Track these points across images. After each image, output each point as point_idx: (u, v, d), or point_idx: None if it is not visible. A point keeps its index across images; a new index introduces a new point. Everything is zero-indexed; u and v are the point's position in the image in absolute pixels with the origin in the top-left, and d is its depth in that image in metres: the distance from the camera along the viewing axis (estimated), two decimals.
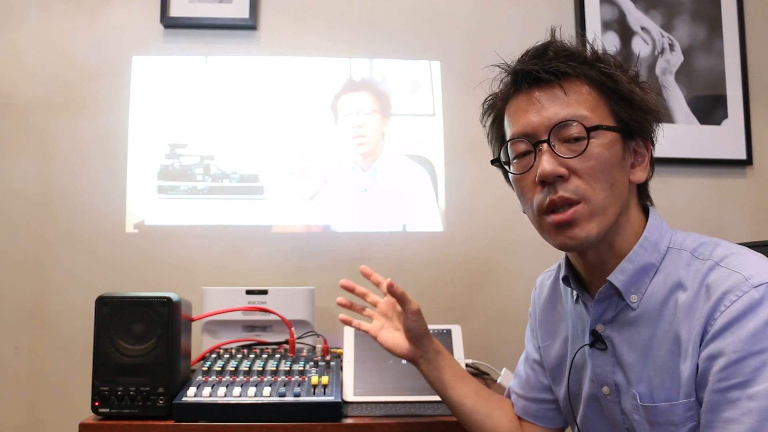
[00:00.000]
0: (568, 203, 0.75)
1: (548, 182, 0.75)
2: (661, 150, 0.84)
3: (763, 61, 1.85)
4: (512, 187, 0.86)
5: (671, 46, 1.82)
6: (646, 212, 0.83)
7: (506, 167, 0.84)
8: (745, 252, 0.74)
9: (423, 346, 0.96)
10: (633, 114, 0.78)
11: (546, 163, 0.75)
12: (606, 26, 1.80)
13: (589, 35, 1.72)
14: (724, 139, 1.81)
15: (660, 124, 0.82)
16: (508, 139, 0.82)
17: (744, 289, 0.67)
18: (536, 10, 1.80)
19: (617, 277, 0.78)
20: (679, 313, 0.73)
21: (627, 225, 0.79)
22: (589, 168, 0.75)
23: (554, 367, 0.95)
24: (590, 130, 0.75)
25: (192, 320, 1.23)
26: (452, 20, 1.80)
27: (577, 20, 1.80)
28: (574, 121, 0.75)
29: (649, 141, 0.81)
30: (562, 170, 0.75)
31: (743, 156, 1.81)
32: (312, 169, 1.73)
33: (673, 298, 0.75)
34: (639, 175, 0.80)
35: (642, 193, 0.83)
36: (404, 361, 1.21)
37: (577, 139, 0.75)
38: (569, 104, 0.76)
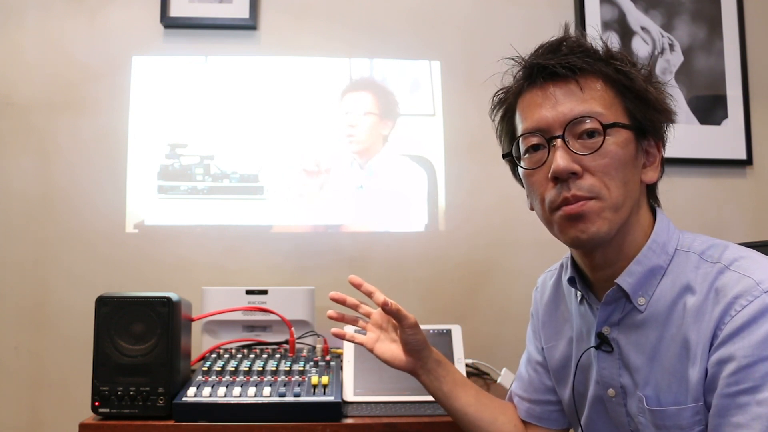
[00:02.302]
0: (581, 201, 0.74)
1: (562, 179, 0.74)
2: None
3: (763, 61, 1.85)
4: (520, 183, 0.85)
5: (671, 46, 1.82)
6: (653, 213, 0.82)
7: (517, 162, 0.82)
8: (754, 255, 0.73)
9: (422, 358, 0.92)
10: (647, 113, 0.77)
11: (560, 159, 0.73)
12: (606, 26, 1.80)
13: (589, 35, 1.72)
14: (724, 139, 1.81)
15: (672, 125, 0.82)
16: (520, 134, 0.80)
17: (755, 294, 0.67)
18: (536, 10, 1.80)
19: (625, 280, 0.77)
20: (687, 317, 0.73)
21: (637, 226, 0.78)
22: (603, 166, 0.74)
23: (558, 369, 0.94)
24: (606, 127, 0.74)
25: (192, 320, 1.23)
26: (452, 20, 1.80)
27: (577, 20, 1.80)
28: (590, 117, 0.74)
29: (660, 141, 0.81)
30: (576, 167, 0.73)
31: (743, 156, 1.81)
32: (318, 166, 1.73)
33: (681, 302, 0.74)
34: (650, 176, 0.80)
35: (650, 194, 0.83)
36: None
37: (591, 136, 0.74)
38: (585, 100, 0.75)
